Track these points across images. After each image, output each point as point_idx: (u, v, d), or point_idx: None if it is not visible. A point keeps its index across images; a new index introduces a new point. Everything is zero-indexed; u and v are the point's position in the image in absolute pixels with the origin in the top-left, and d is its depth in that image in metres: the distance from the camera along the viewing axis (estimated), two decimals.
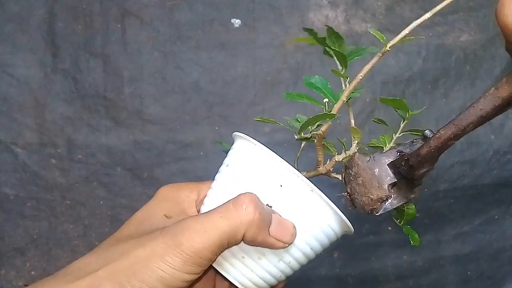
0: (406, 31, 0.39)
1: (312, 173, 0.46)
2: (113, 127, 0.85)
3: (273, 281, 0.43)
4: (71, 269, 0.39)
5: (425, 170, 0.40)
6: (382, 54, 0.40)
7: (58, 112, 0.85)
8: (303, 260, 0.43)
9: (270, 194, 0.41)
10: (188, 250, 0.37)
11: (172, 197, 0.46)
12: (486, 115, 0.37)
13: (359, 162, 0.42)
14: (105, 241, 0.43)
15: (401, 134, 0.45)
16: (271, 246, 0.40)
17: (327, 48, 0.43)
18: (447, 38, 0.84)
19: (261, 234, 0.39)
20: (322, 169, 0.46)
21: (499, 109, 0.37)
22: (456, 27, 0.84)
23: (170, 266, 0.37)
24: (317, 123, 0.43)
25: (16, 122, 0.84)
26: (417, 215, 0.94)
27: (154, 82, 0.85)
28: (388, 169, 0.42)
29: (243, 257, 0.41)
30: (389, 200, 0.42)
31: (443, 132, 0.38)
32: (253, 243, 0.40)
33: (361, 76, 0.41)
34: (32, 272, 0.85)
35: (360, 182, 0.42)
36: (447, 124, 0.38)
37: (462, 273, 0.86)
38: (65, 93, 0.85)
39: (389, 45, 0.40)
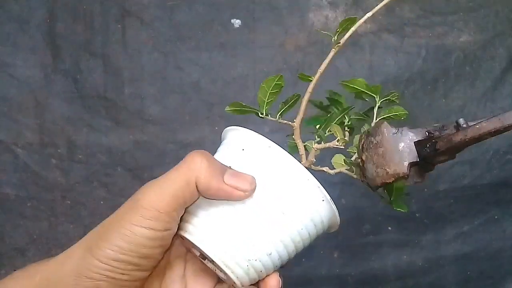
0: (357, 24, 0.42)
1: None
2: (113, 127, 0.85)
3: (249, 254, 0.41)
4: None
5: (446, 157, 0.39)
6: (336, 49, 0.44)
7: (59, 113, 0.85)
8: (291, 248, 0.42)
9: (232, 157, 0.43)
10: (144, 204, 0.40)
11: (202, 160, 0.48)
12: None
13: (386, 131, 0.41)
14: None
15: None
16: (229, 195, 0.41)
17: None
18: (447, 38, 0.84)
19: (214, 181, 0.40)
20: (304, 162, 0.46)
21: None
22: (455, 28, 0.84)
23: (129, 222, 0.39)
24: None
25: (16, 123, 0.85)
26: (417, 215, 0.94)
27: (154, 82, 0.85)
28: (414, 147, 0.40)
29: (209, 220, 0.42)
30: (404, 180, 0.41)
31: (485, 124, 0.37)
32: (208, 192, 0.41)
33: (320, 70, 0.44)
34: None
35: (381, 152, 0.40)
36: (490, 117, 0.37)
37: (462, 273, 0.86)
38: (65, 93, 0.85)
39: (342, 40, 0.43)
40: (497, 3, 0.84)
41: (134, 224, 0.39)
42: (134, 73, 0.85)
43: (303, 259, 0.84)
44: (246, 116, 0.47)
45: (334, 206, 0.42)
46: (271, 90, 0.45)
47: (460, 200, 0.86)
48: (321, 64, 0.45)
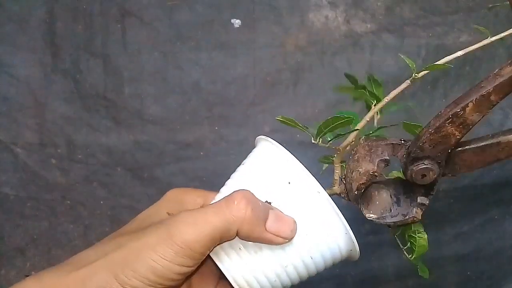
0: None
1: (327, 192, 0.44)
2: (113, 127, 0.85)
3: (265, 283, 0.42)
4: (71, 261, 0.40)
5: (426, 166, 0.38)
6: (412, 81, 0.42)
7: (58, 112, 0.85)
8: (302, 269, 0.42)
9: (276, 190, 0.41)
10: (179, 241, 0.38)
11: (178, 199, 0.47)
12: (487, 94, 0.36)
13: (362, 141, 0.41)
14: (107, 236, 0.44)
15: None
16: (269, 242, 0.40)
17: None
18: (447, 38, 0.84)
19: (256, 230, 0.39)
20: (336, 188, 0.44)
21: (500, 89, 0.36)
22: (455, 28, 0.85)
23: (161, 257, 0.38)
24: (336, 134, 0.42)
25: (16, 122, 0.85)
26: None
27: (154, 82, 0.85)
28: (386, 148, 0.40)
29: (240, 248, 0.41)
30: (381, 192, 0.42)
31: (443, 111, 0.37)
32: (249, 239, 0.40)
33: (387, 99, 0.42)
34: (32, 272, 0.85)
35: (356, 158, 0.41)
36: (449, 105, 0.37)
37: (462, 273, 0.86)
38: (65, 93, 0.85)
39: (420, 74, 0.42)
40: (496, 3, 0.84)
41: (166, 260, 0.38)
42: (134, 73, 0.85)
43: None
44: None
45: (355, 240, 0.42)
46: (334, 125, 0.42)
47: (460, 200, 0.86)
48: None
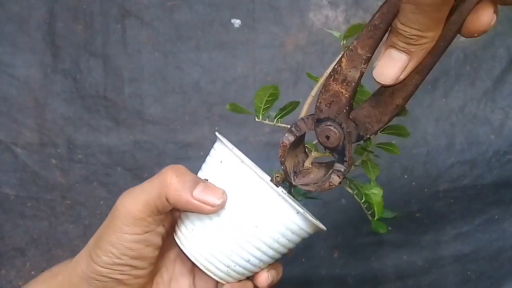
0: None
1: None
2: (113, 127, 0.85)
3: (226, 260, 0.44)
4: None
5: (326, 127, 0.40)
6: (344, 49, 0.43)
7: (58, 112, 0.85)
8: (259, 243, 0.43)
9: (211, 169, 0.46)
10: (122, 211, 0.45)
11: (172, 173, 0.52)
12: (353, 48, 0.37)
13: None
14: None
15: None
16: (198, 209, 0.44)
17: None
18: None
19: (182, 197, 0.44)
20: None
21: (363, 41, 0.37)
22: None
23: (113, 230, 0.45)
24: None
25: (16, 122, 0.85)
26: (417, 215, 0.94)
27: (154, 82, 0.85)
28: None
29: (192, 229, 0.45)
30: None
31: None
32: (178, 205, 0.45)
33: (326, 73, 0.43)
34: (32, 272, 0.85)
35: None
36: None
37: (462, 273, 0.86)
38: (65, 93, 0.85)
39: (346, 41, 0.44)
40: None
41: (117, 231, 0.45)
42: (134, 73, 0.85)
43: (303, 259, 0.84)
44: (246, 117, 0.47)
45: (310, 217, 0.43)
46: (267, 98, 0.46)
47: (460, 200, 0.86)
48: (324, 65, 0.45)
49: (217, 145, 0.47)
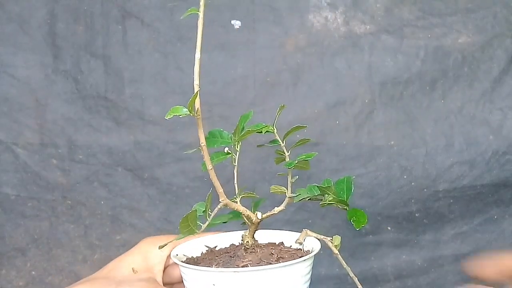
0: None
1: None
2: (114, 127, 0.85)
3: None
4: None
5: None
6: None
7: (59, 113, 0.85)
8: None
9: None
10: None
11: (147, 251, 0.56)
12: None
13: None
14: (81, 280, 0.54)
15: None
16: None
17: None
18: (446, 39, 0.85)
19: None
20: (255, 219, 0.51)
21: None
22: (454, 29, 0.85)
23: None
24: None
25: (17, 123, 0.85)
26: (416, 215, 0.94)
27: (154, 83, 0.85)
28: None
29: None
30: None
31: None
32: None
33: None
34: (33, 272, 0.86)
35: None
36: None
37: (461, 273, 0.87)
38: (66, 94, 0.85)
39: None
40: (495, 5, 0.84)
41: None
42: (134, 74, 0.85)
43: None
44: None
45: (298, 260, 0.48)
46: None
47: (460, 200, 0.86)
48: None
49: (192, 273, 0.47)
